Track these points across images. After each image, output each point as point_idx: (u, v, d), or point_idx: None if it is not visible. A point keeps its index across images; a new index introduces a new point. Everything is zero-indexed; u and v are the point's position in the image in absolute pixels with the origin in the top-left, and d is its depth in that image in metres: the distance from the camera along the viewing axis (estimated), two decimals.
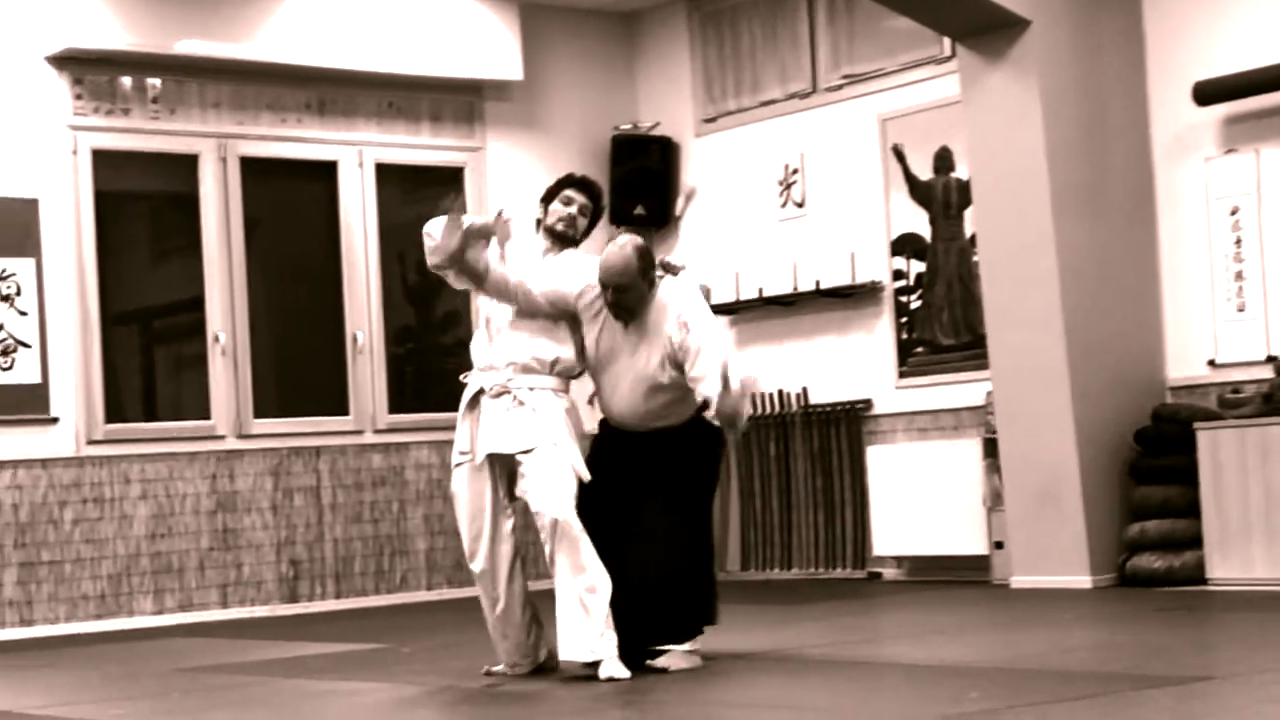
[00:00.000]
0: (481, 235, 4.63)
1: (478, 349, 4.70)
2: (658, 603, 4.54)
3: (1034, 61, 6.68)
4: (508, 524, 4.59)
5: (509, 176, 8.48)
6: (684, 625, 4.62)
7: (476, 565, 4.58)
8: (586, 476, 4.49)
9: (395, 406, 8.19)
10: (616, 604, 4.46)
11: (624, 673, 4.41)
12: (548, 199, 4.76)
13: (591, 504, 4.49)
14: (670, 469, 4.55)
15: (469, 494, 4.60)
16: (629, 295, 4.48)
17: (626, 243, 4.49)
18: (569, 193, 4.74)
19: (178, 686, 4.96)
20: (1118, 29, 6.94)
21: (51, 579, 7.30)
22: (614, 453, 4.65)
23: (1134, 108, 6.99)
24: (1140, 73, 7.00)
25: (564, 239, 4.72)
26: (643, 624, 4.56)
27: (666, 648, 4.57)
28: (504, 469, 4.56)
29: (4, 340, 7.24)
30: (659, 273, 4.60)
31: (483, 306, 4.71)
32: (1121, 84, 6.95)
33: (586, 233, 4.78)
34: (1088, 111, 6.86)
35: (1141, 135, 7.00)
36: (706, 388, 4.39)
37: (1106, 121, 6.92)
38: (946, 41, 7.40)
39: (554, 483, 4.46)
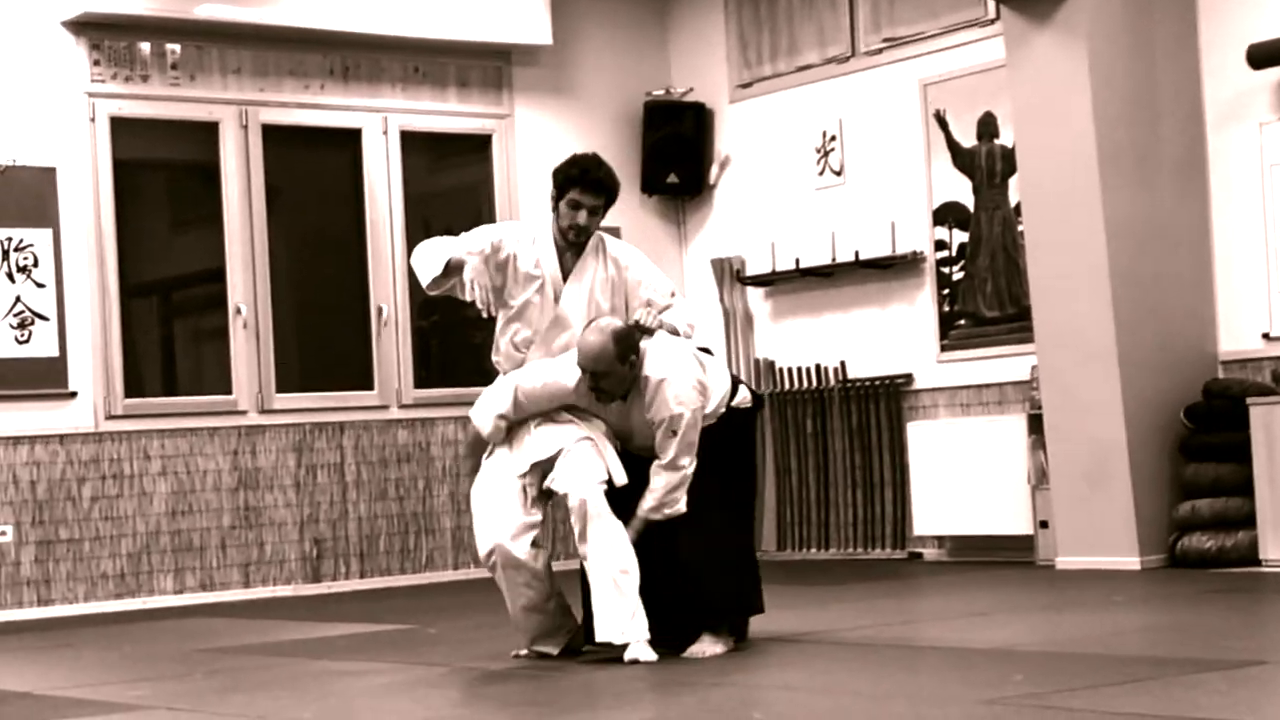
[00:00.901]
0: (457, 270, 4.58)
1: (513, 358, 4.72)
2: (700, 591, 4.57)
3: (1082, 23, 6.61)
4: (535, 509, 4.57)
5: (538, 144, 8.46)
6: (725, 612, 4.63)
7: (516, 548, 4.53)
8: (621, 479, 4.51)
9: (421, 381, 8.20)
10: (656, 592, 4.48)
11: (651, 655, 4.42)
12: (558, 194, 4.67)
13: (629, 497, 4.53)
14: (706, 460, 4.55)
15: (497, 485, 4.59)
16: (608, 380, 4.51)
17: (606, 327, 4.49)
18: (576, 195, 4.62)
19: (199, 667, 4.99)
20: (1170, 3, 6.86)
21: (70, 557, 7.35)
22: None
23: (1185, 71, 6.90)
24: (1192, 35, 6.91)
25: (575, 244, 4.68)
26: (685, 612, 4.57)
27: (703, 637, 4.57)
28: (537, 469, 4.58)
29: (21, 313, 7.28)
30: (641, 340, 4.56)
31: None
32: (1172, 47, 6.87)
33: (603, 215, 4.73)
34: (1137, 75, 6.79)
35: (1193, 100, 6.91)
36: (657, 483, 4.49)
37: (1157, 86, 6.84)
38: (990, 2, 7.33)
39: (581, 467, 4.48)
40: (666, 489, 4.49)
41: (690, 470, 4.51)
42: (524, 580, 4.52)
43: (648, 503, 4.50)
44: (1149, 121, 6.81)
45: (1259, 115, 6.77)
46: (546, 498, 4.60)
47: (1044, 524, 7.07)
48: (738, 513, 4.72)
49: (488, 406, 4.64)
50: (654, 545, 4.52)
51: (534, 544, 4.54)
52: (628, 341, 4.49)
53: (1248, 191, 6.82)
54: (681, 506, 4.51)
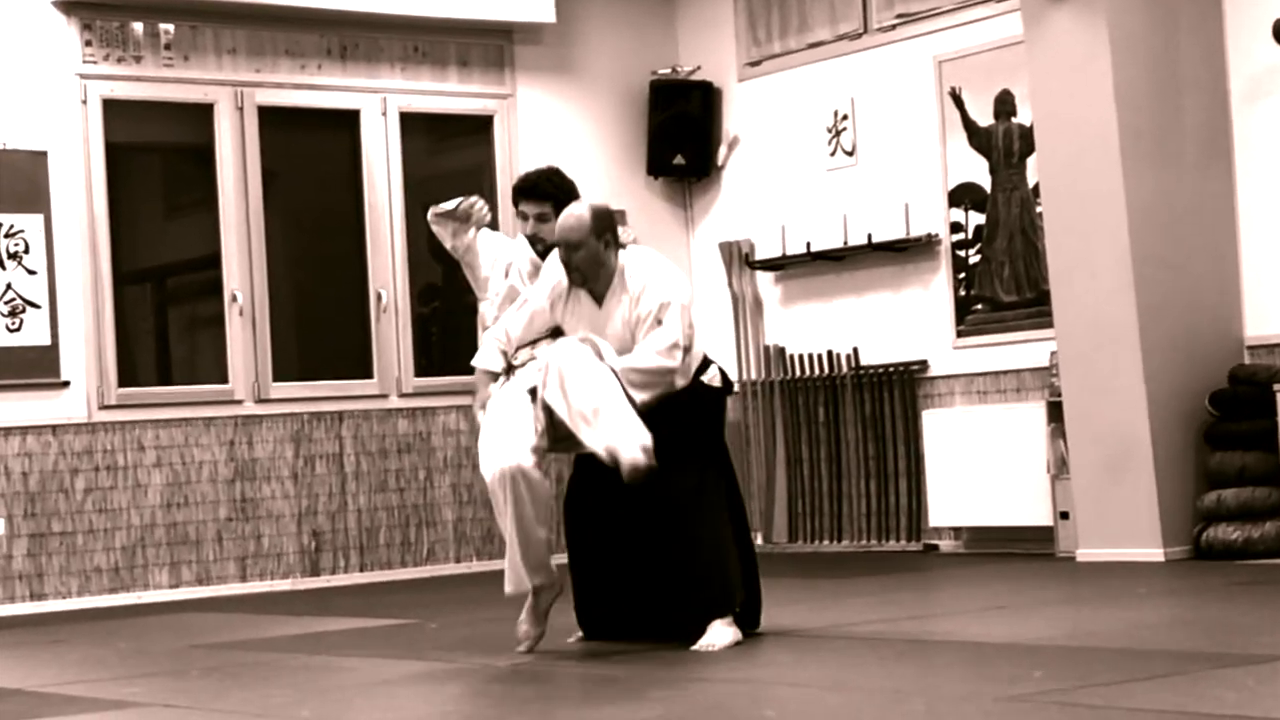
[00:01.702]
0: (459, 219, 5.10)
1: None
2: (690, 578, 4.60)
3: (1103, 0, 6.57)
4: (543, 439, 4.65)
5: (541, 125, 8.43)
6: (723, 598, 4.63)
7: (528, 462, 4.56)
8: (611, 356, 4.55)
9: (421, 370, 8.18)
10: (658, 587, 4.52)
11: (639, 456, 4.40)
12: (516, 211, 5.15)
13: (596, 492, 4.62)
14: (674, 442, 4.53)
15: (507, 411, 4.66)
16: (580, 254, 4.59)
17: (583, 203, 4.72)
18: (522, 207, 5.07)
19: (195, 664, 4.98)
20: None
21: (63, 551, 7.34)
22: None
23: (1209, 47, 6.85)
24: (1216, 9, 6.86)
25: (541, 245, 5.00)
26: (679, 601, 4.61)
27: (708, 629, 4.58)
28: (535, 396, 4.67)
29: (12, 300, 7.26)
30: (626, 236, 4.75)
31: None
32: (1196, 21, 6.82)
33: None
34: (1159, 51, 6.74)
35: (1217, 76, 6.86)
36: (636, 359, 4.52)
37: (1179, 62, 6.79)
38: None
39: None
40: (640, 364, 4.49)
41: (664, 371, 4.50)
42: (532, 496, 4.56)
43: (619, 361, 4.51)
44: (1171, 99, 6.77)
45: None
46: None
47: (1064, 515, 7.04)
48: (717, 498, 4.72)
49: (485, 344, 4.81)
50: (650, 540, 4.56)
51: (540, 467, 4.62)
52: (606, 220, 4.65)
53: (1274, 171, 6.78)
54: (640, 396, 4.46)
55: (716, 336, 8.42)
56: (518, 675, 4.43)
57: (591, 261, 4.60)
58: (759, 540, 8.41)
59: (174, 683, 4.65)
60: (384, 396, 8.09)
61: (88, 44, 7.49)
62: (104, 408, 7.45)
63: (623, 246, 4.72)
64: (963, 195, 7.72)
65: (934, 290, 7.85)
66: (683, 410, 4.63)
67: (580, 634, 4.89)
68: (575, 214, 4.63)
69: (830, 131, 8.24)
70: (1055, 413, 7.06)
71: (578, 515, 4.91)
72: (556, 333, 4.76)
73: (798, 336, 8.39)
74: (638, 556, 4.72)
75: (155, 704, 4.22)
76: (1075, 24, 6.67)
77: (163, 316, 8.17)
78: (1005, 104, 7.53)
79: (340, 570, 7.91)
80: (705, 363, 4.76)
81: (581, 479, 4.86)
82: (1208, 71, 6.87)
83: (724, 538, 4.69)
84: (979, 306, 7.68)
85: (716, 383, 4.78)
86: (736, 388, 8.33)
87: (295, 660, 4.99)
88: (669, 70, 8.71)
